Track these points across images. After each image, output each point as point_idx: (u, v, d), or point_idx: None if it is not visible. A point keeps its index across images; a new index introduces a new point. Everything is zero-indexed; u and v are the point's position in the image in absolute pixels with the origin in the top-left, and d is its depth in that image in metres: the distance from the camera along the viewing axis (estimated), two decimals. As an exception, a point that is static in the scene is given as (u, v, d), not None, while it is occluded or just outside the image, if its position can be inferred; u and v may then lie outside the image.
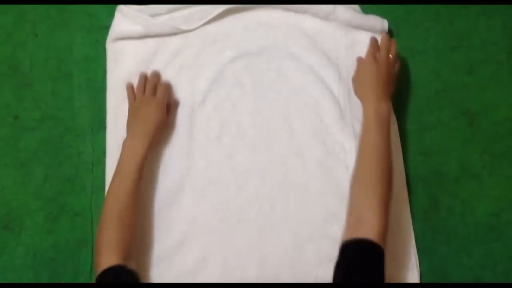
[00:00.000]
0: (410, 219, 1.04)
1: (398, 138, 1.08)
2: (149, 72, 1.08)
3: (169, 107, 1.07)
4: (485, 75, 1.14)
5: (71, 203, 1.04)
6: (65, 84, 1.11)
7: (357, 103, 1.06)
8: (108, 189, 0.94)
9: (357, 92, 1.05)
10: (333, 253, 0.83)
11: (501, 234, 1.04)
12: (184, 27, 1.13)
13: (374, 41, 1.06)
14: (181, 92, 1.09)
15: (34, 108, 1.10)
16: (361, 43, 1.11)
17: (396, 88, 1.04)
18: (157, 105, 1.03)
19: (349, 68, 1.10)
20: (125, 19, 1.12)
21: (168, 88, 1.07)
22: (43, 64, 1.13)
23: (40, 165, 1.06)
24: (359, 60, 1.06)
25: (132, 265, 0.86)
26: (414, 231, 1.03)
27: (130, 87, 1.06)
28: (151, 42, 1.13)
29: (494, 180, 1.07)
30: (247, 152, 1.06)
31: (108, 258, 0.85)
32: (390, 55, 1.04)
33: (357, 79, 1.06)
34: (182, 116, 1.08)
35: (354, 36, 1.13)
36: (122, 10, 1.12)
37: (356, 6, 1.16)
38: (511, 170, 1.08)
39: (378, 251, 0.81)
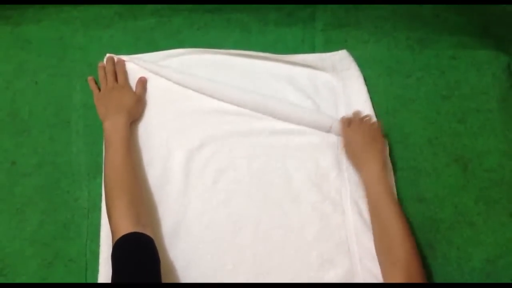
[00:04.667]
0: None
1: (393, 185, 1.09)
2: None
3: (136, 85, 1.15)
4: (477, 123, 1.16)
5: (65, 249, 1.03)
6: (63, 131, 1.12)
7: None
8: (104, 167, 0.99)
9: (351, 164, 1.08)
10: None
11: (497, 281, 1.03)
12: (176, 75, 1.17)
13: (343, 118, 1.12)
14: (178, 137, 1.10)
15: (31, 154, 1.10)
16: (354, 86, 1.16)
17: (387, 143, 1.09)
18: (123, 88, 1.12)
19: (346, 110, 1.14)
20: None
21: (126, 70, 1.16)
22: (42, 111, 1.14)
23: (36, 210, 1.05)
24: (341, 135, 1.10)
25: (148, 232, 0.88)
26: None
27: (92, 80, 1.14)
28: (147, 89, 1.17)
29: (489, 226, 1.07)
30: (243, 197, 1.06)
31: (123, 224, 0.87)
32: (365, 119, 1.08)
33: (346, 153, 1.09)
34: (179, 160, 1.08)
35: (350, 81, 1.17)
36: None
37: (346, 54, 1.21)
38: (505, 217, 1.08)
39: None
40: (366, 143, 1.04)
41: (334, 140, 1.12)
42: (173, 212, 1.04)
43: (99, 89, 1.13)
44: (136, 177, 1.00)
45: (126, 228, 0.86)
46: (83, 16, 1.23)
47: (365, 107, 1.14)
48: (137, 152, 1.09)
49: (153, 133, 1.11)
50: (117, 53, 1.19)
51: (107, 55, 1.18)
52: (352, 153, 1.06)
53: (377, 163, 1.02)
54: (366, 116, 1.10)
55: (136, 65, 1.17)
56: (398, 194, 1.08)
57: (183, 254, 1.01)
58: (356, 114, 1.10)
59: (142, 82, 1.15)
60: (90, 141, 1.11)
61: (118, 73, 1.15)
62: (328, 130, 1.12)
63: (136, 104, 1.10)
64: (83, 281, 1.00)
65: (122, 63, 1.17)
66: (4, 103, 1.15)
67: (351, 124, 1.08)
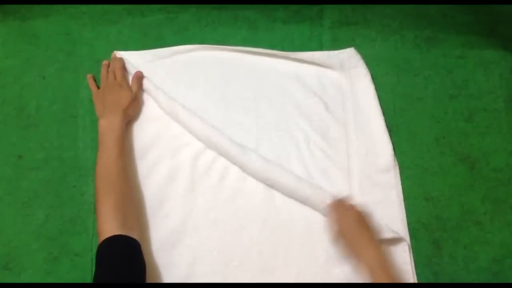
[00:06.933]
0: (413, 265, 1.03)
1: (400, 184, 1.09)
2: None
3: (132, 82, 1.14)
4: (484, 123, 1.16)
5: (71, 244, 1.03)
6: (70, 125, 1.12)
7: (359, 147, 1.08)
8: (96, 166, 0.98)
9: (345, 249, 0.97)
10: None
11: (504, 281, 1.03)
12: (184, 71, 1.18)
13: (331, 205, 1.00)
14: (185, 135, 1.10)
15: (38, 148, 1.10)
16: (362, 84, 1.16)
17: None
18: (120, 86, 1.11)
19: (354, 107, 1.14)
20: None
21: (124, 68, 1.15)
22: (49, 105, 1.14)
23: (42, 205, 1.06)
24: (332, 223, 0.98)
25: (134, 235, 0.87)
26: (417, 277, 1.02)
27: (91, 78, 1.14)
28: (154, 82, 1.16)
29: (496, 226, 1.07)
30: (250, 195, 1.06)
31: (109, 226, 0.87)
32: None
33: (338, 238, 0.97)
34: (186, 157, 1.08)
35: (357, 79, 1.17)
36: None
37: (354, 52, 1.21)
38: (512, 217, 1.09)
39: None
40: (361, 227, 0.94)
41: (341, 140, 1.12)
42: (180, 208, 1.04)
43: (98, 87, 1.13)
44: (127, 178, 0.99)
45: (110, 230, 0.86)
46: (91, 11, 1.23)
47: (372, 105, 1.14)
48: (145, 150, 1.09)
49: (161, 131, 1.11)
50: (125, 49, 1.19)
51: (114, 52, 1.18)
52: (347, 240, 0.94)
53: (375, 249, 0.91)
54: (352, 204, 0.98)
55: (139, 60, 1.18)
56: (404, 193, 1.08)
57: (190, 250, 1.01)
58: (346, 199, 1.00)
59: (138, 78, 1.14)
60: (97, 136, 1.09)
61: (116, 70, 1.14)
62: (323, 211, 1.03)
63: (132, 103, 1.09)
64: (89, 276, 1.00)
65: (121, 60, 1.16)
66: (11, 98, 1.15)
67: (341, 209, 0.97)
